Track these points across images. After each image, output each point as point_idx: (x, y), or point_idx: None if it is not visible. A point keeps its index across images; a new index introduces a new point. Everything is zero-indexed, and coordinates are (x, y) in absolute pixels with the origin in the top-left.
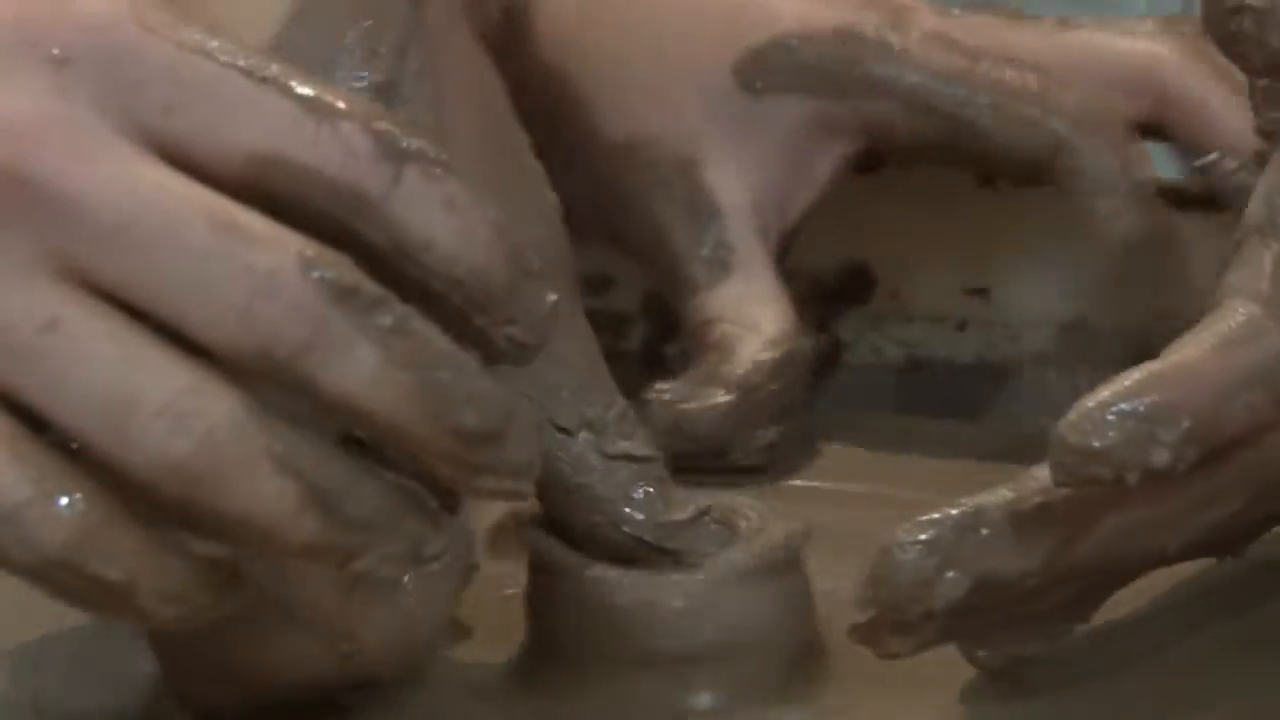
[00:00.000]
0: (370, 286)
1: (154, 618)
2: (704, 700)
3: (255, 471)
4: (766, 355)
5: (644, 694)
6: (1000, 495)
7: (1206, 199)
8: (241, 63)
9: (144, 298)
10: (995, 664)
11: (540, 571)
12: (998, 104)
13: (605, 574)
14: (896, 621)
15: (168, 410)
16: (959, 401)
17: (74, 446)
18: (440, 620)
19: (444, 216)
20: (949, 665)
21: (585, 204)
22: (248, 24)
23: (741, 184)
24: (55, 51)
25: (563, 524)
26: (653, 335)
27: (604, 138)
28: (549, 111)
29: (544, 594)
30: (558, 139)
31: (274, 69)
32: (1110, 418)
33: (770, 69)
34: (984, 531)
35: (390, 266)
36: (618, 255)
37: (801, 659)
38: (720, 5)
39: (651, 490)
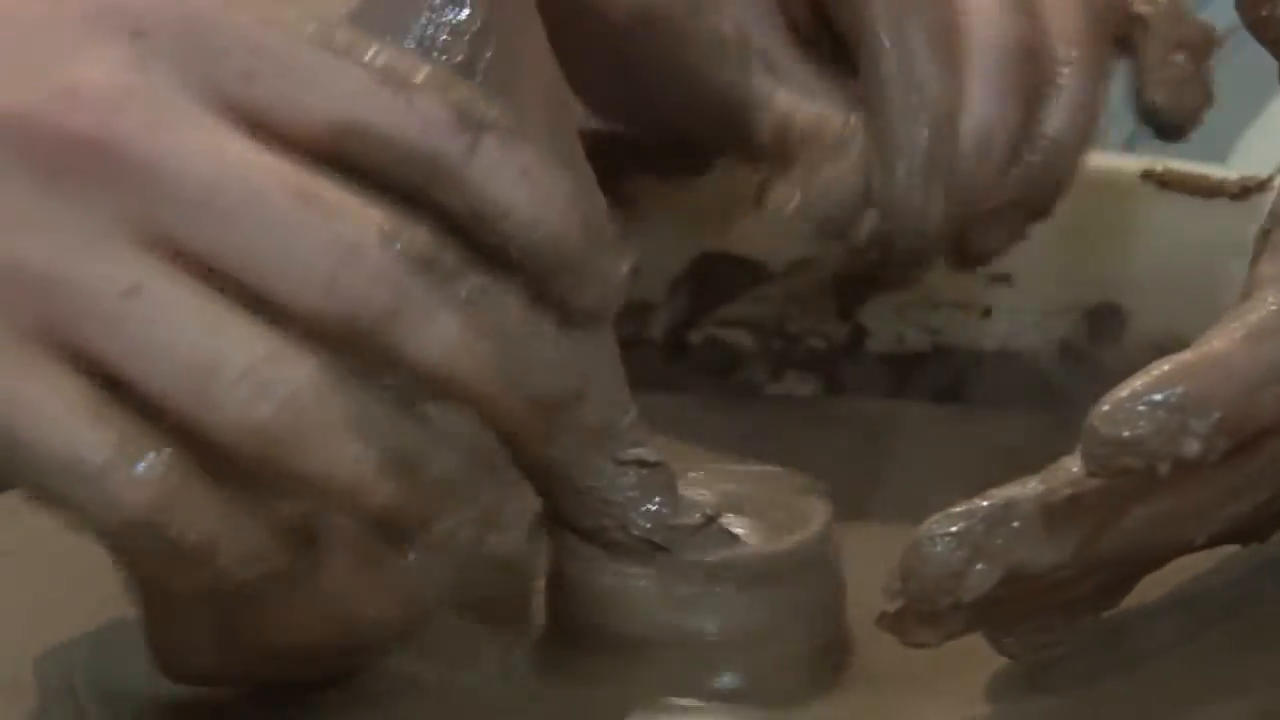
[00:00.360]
0: (450, 256)
1: (233, 578)
2: (723, 691)
3: (336, 435)
4: (851, 119)
5: (661, 682)
6: (1030, 488)
7: (1193, 183)
8: (319, 33)
9: (228, 265)
10: (1021, 652)
11: (563, 561)
12: None
13: (628, 568)
14: (925, 612)
15: (250, 375)
16: (981, 388)
17: (154, 410)
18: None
19: (521, 183)
20: (972, 661)
21: (638, 114)
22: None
23: (739, 4)
24: (133, 22)
25: (569, 524)
26: (676, 323)
27: (621, 21)
28: (589, 40)
29: (565, 583)
30: (605, 62)
31: (352, 39)
32: (1142, 408)
33: None
34: (1014, 524)
35: (468, 233)
36: (640, 243)
37: (826, 654)
38: None
39: (660, 496)
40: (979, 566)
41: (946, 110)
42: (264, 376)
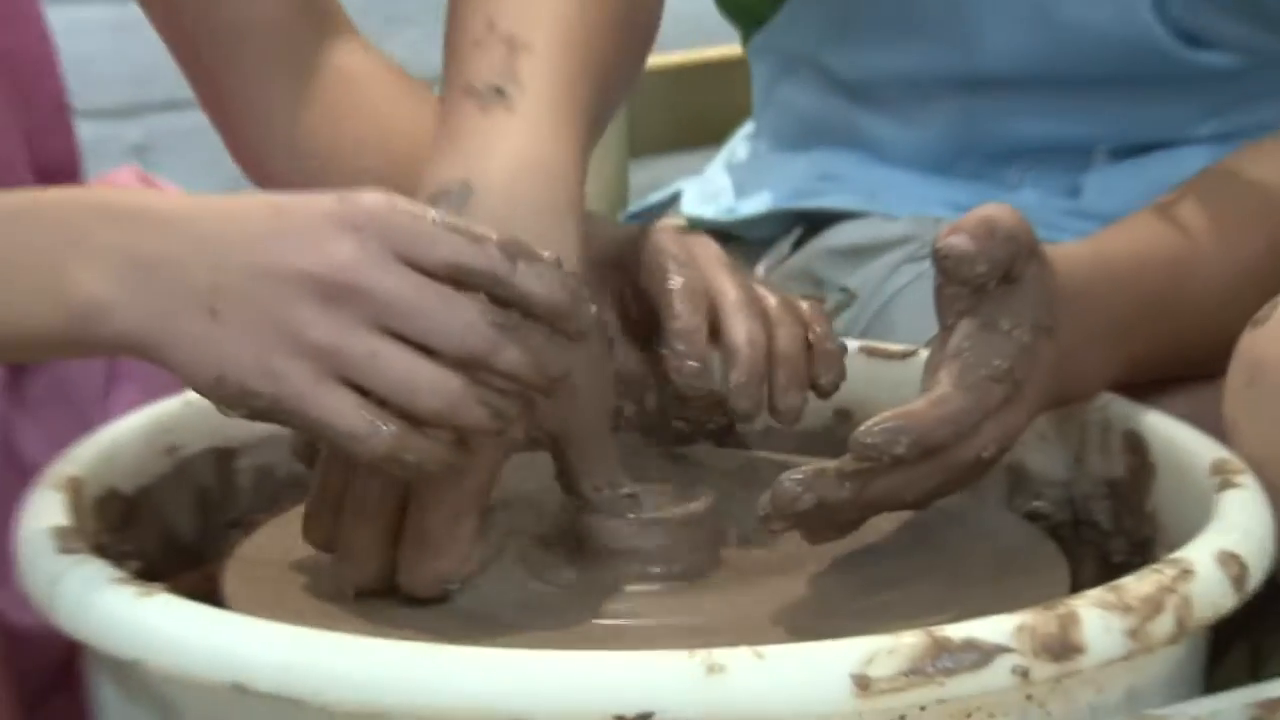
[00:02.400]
0: (514, 318)
1: (427, 473)
2: (649, 580)
3: (472, 407)
4: None
5: (610, 575)
6: (837, 462)
7: (881, 351)
8: (447, 220)
9: (414, 334)
10: (815, 542)
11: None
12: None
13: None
14: (780, 515)
15: (433, 387)
16: (781, 446)
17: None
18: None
19: (539, 282)
20: (796, 570)
21: None
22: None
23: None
24: (355, 223)
25: (576, 491)
26: None
27: None
28: None
29: (581, 526)
30: None
31: (462, 222)
32: (876, 429)
33: None
34: (826, 477)
35: (515, 306)
36: None
37: (713, 557)
38: None
39: (630, 501)
40: (806, 496)
41: (702, 354)
42: (439, 388)
